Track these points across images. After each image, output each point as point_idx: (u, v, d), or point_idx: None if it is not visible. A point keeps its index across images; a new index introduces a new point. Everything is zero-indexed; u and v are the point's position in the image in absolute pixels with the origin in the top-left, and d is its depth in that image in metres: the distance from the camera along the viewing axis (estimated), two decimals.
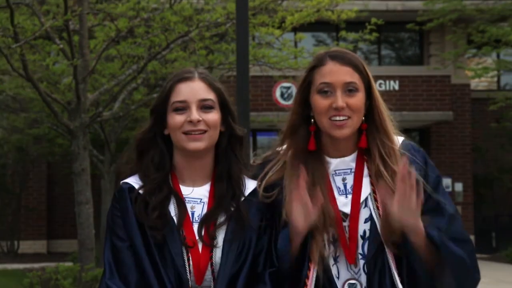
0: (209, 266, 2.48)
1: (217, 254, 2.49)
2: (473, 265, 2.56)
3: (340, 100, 2.54)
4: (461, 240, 2.55)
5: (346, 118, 2.55)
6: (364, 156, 2.63)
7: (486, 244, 18.74)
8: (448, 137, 19.03)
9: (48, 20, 9.73)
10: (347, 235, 2.57)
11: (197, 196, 2.56)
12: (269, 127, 16.30)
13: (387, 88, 17.93)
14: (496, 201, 19.86)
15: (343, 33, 13.06)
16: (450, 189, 18.69)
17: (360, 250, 2.57)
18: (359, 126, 2.61)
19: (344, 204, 2.60)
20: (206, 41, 11.20)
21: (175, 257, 2.45)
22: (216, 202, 2.54)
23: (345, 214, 2.58)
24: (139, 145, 2.59)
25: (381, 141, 2.61)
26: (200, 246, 2.49)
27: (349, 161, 2.64)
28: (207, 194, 2.56)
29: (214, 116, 2.53)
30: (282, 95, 17.34)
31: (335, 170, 2.63)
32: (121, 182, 2.60)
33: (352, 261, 2.56)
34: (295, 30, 13.61)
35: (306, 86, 2.63)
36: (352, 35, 13.12)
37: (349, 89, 2.56)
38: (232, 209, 2.54)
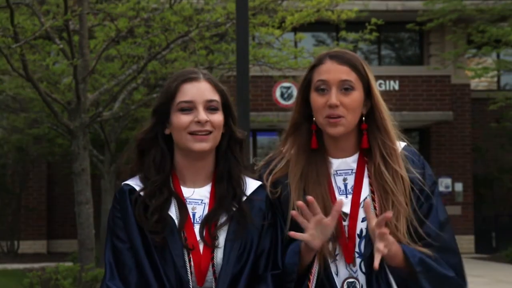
0: (211, 267, 2.48)
1: (219, 255, 2.49)
2: (460, 277, 2.60)
3: (334, 97, 2.57)
4: (449, 250, 2.60)
5: (340, 116, 2.57)
6: (365, 157, 2.66)
7: (486, 244, 18.75)
8: (448, 137, 19.03)
9: (48, 20, 9.73)
10: (346, 234, 2.60)
11: (198, 197, 2.55)
12: (269, 127, 16.32)
13: (387, 88, 17.94)
14: (496, 201, 19.86)
15: (343, 33, 13.07)
16: (450, 189, 18.69)
17: (357, 249, 2.60)
18: (355, 125, 2.63)
19: (344, 204, 2.61)
20: (206, 41, 11.20)
21: (175, 258, 2.45)
22: (217, 202, 2.54)
23: (344, 213, 2.61)
24: (140, 145, 2.58)
25: (382, 141, 2.63)
26: (201, 247, 2.49)
27: (350, 162, 2.66)
28: (208, 195, 2.56)
29: (219, 117, 2.53)
30: (282, 95, 17.34)
31: (336, 171, 2.66)
32: (122, 183, 2.59)
33: (350, 260, 2.59)
34: (295, 30, 13.61)
35: (306, 85, 2.67)
36: (352, 35, 13.13)
37: (345, 87, 2.59)
38: (234, 209, 2.54)
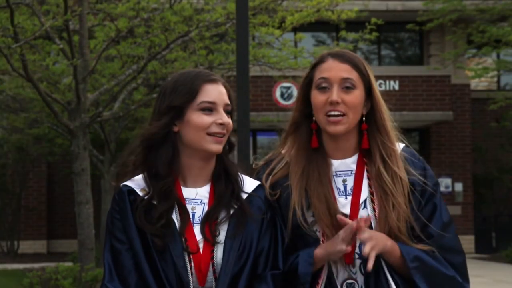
0: (210, 267, 2.48)
1: (218, 254, 2.49)
2: (462, 277, 2.60)
3: (336, 94, 2.57)
4: (453, 250, 2.60)
5: (341, 114, 2.57)
6: (365, 158, 2.65)
7: (486, 244, 18.75)
8: (448, 137, 19.03)
9: (48, 20, 9.73)
10: None
11: (197, 197, 2.56)
12: (269, 127, 16.31)
13: (387, 88, 17.94)
14: (496, 201, 19.85)
15: (343, 33, 13.07)
16: (450, 189, 18.69)
17: (357, 250, 2.59)
18: (355, 124, 2.63)
19: (343, 205, 2.62)
20: (206, 41, 11.20)
21: (175, 259, 2.45)
22: (216, 200, 2.54)
23: (344, 215, 2.60)
24: (150, 139, 2.53)
25: (381, 142, 2.63)
26: (201, 246, 2.49)
27: (350, 163, 2.66)
28: (207, 195, 2.56)
29: (231, 122, 2.56)
30: (282, 95, 17.35)
31: (336, 171, 2.66)
32: (121, 184, 2.57)
33: (349, 261, 2.59)
34: (295, 30, 13.62)
35: (307, 83, 2.67)
36: (352, 35, 13.13)
37: (346, 85, 2.59)
38: (233, 206, 2.54)
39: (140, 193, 2.53)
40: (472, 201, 19.06)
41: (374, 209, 2.58)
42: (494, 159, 19.63)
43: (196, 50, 11.11)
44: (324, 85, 2.60)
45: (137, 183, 2.56)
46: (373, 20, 12.45)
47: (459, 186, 18.85)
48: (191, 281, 2.45)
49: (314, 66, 2.66)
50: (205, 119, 2.50)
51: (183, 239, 2.47)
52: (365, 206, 2.61)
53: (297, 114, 2.69)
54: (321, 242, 2.57)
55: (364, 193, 2.62)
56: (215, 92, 2.53)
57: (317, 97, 2.60)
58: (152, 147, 2.54)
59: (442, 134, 19.06)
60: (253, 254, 2.51)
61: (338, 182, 2.65)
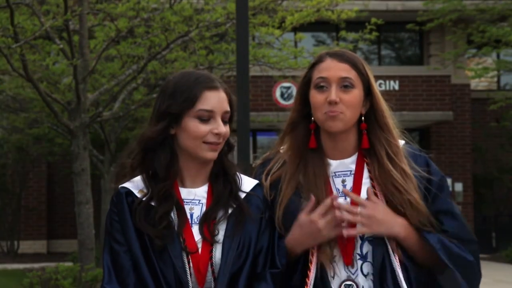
0: (209, 267, 2.47)
1: (217, 254, 2.49)
2: (478, 265, 2.60)
3: (334, 94, 2.56)
4: (469, 240, 2.58)
5: (339, 112, 2.56)
6: (365, 158, 2.63)
7: (486, 244, 18.74)
8: (448, 137, 19.03)
9: (48, 20, 9.73)
10: (344, 236, 2.58)
11: (196, 197, 2.56)
12: (269, 127, 16.32)
13: (387, 88, 17.93)
14: (496, 201, 19.85)
15: (343, 33, 13.07)
16: (450, 189, 18.68)
17: (358, 251, 2.58)
18: (354, 124, 2.62)
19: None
20: (206, 41, 11.20)
21: (174, 260, 2.45)
22: (214, 200, 2.54)
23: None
24: (147, 144, 2.53)
25: (386, 140, 2.61)
26: (200, 246, 2.49)
27: (348, 163, 2.65)
28: (205, 195, 2.56)
29: (228, 130, 2.54)
30: (282, 95, 17.34)
31: (334, 172, 2.64)
32: (119, 186, 2.58)
33: (348, 262, 2.57)
34: (295, 30, 13.62)
35: (305, 83, 2.66)
36: (352, 35, 13.13)
37: (345, 84, 2.58)
38: (231, 205, 2.54)
39: (138, 195, 2.53)
40: (472, 201, 19.06)
41: (394, 208, 2.57)
42: (494, 159, 19.63)
43: (196, 50, 11.11)
44: (322, 84, 2.59)
45: (135, 184, 2.56)
46: (373, 20, 12.45)
47: (459, 186, 18.85)
48: (190, 282, 2.45)
49: (313, 66, 2.65)
50: (201, 128, 2.48)
51: (181, 240, 2.47)
52: None
53: (295, 114, 2.68)
54: (312, 250, 2.56)
55: (364, 194, 2.60)
56: (214, 100, 2.50)
57: (316, 97, 2.59)
58: (150, 150, 2.54)
59: (442, 134, 19.06)
60: (252, 253, 2.51)
61: (337, 182, 2.64)
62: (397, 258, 2.54)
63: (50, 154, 17.55)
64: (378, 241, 2.55)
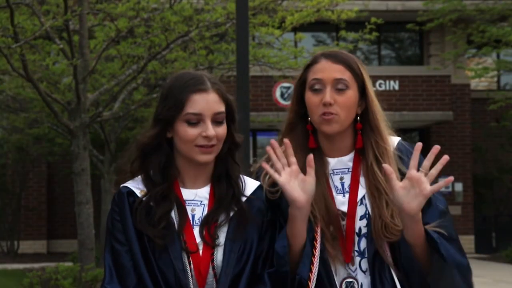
0: (211, 269, 2.47)
1: (219, 256, 2.49)
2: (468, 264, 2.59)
3: (328, 95, 2.57)
4: (450, 239, 2.56)
5: (334, 115, 2.57)
6: (360, 156, 2.66)
7: (486, 244, 18.74)
8: (448, 137, 19.03)
9: (48, 20, 9.73)
10: (344, 233, 2.60)
11: (197, 198, 2.55)
12: (269, 127, 16.31)
13: (387, 88, 17.94)
14: (496, 201, 19.85)
15: (343, 33, 13.07)
16: (450, 189, 18.69)
17: (356, 247, 2.59)
18: (350, 124, 2.63)
19: (342, 203, 2.62)
20: (206, 41, 11.20)
21: (174, 262, 2.44)
22: (216, 202, 2.54)
23: (343, 212, 2.61)
24: (143, 150, 2.55)
25: (375, 142, 2.63)
26: (201, 248, 2.49)
27: (346, 161, 2.67)
28: (207, 196, 2.56)
29: (224, 130, 2.52)
30: (282, 95, 17.35)
31: (333, 170, 2.66)
32: (121, 185, 2.58)
33: (348, 259, 2.58)
34: (295, 30, 13.61)
35: (301, 84, 2.67)
36: (352, 35, 13.13)
37: (339, 86, 2.59)
38: (233, 209, 2.54)
39: (140, 195, 2.53)
40: (472, 201, 19.06)
41: (373, 206, 2.59)
42: (494, 159, 19.63)
43: (196, 50, 11.11)
44: (317, 86, 2.60)
45: (136, 184, 2.56)
46: (373, 20, 12.45)
47: (459, 186, 18.85)
48: (190, 284, 2.45)
49: (308, 67, 2.66)
50: (189, 132, 2.47)
51: (181, 240, 2.47)
52: (362, 203, 2.62)
53: (292, 115, 2.70)
54: (315, 242, 2.56)
55: (362, 190, 2.63)
56: (202, 103, 2.48)
57: (311, 99, 2.61)
58: (147, 154, 2.55)
59: (442, 134, 19.06)
60: (253, 256, 2.51)
61: (335, 180, 2.65)
62: (388, 253, 2.55)
63: (50, 154, 17.55)
64: (371, 237, 2.56)
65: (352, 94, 2.60)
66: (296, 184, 2.48)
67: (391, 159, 2.61)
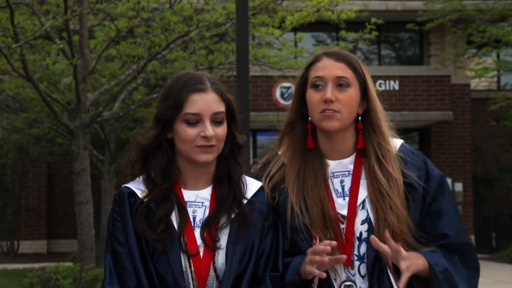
0: (212, 271, 2.47)
1: (220, 259, 2.48)
2: (476, 268, 2.61)
3: (330, 92, 2.56)
4: (465, 244, 2.59)
5: (335, 111, 2.55)
6: (362, 158, 2.63)
7: (486, 244, 18.72)
8: (448, 137, 19.03)
9: (48, 20, 9.73)
10: (343, 237, 2.58)
11: (198, 200, 2.54)
12: (269, 127, 16.31)
13: (387, 88, 17.93)
14: (496, 201, 19.84)
15: (343, 33, 13.07)
16: (450, 189, 18.68)
17: (356, 252, 2.58)
18: (351, 124, 2.61)
19: (341, 206, 2.60)
20: (206, 41, 11.20)
21: (172, 265, 2.44)
22: (218, 204, 2.53)
23: (343, 216, 2.59)
24: (143, 151, 2.55)
25: (377, 142, 2.61)
26: (202, 250, 2.48)
27: (347, 164, 2.64)
28: (208, 197, 2.55)
29: (224, 130, 2.51)
30: (282, 95, 17.34)
31: (333, 172, 2.64)
32: (122, 186, 2.57)
33: (348, 263, 2.57)
34: (295, 30, 13.61)
35: (302, 83, 2.66)
36: (352, 35, 13.12)
37: (341, 83, 2.58)
38: (234, 211, 2.53)
39: (141, 196, 2.53)
40: (472, 201, 19.05)
41: (375, 210, 2.57)
42: (494, 159, 19.62)
43: (196, 50, 11.11)
44: (318, 83, 2.59)
45: (138, 185, 2.56)
46: (373, 20, 12.45)
47: (459, 186, 18.84)
48: (191, 286, 2.44)
49: (309, 66, 2.65)
50: (189, 132, 2.47)
51: (182, 242, 2.46)
52: (363, 207, 2.59)
53: (292, 114, 2.68)
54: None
55: (363, 194, 2.60)
56: (201, 103, 2.47)
57: (312, 96, 2.59)
58: (148, 156, 2.54)
59: (442, 134, 19.06)
60: (254, 257, 2.50)
61: (335, 183, 2.63)
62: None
63: (50, 154, 17.54)
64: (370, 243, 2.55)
65: (353, 92, 2.59)
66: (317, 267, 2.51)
67: (393, 160, 2.60)
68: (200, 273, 2.46)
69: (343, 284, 2.57)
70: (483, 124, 19.52)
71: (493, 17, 17.49)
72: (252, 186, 2.60)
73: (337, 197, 2.61)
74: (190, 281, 2.44)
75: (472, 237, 18.65)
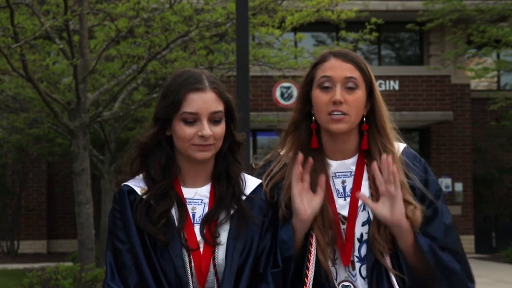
0: (212, 267, 2.48)
1: (220, 255, 2.49)
2: (466, 275, 2.58)
3: (339, 94, 2.54)
4: (455, 251, 2.56)
5: (343, 114, 2.55)
6: (365, 159, 2.63)
7: (486, 244, 18.73)
8: (448, 137, 19.03)
9: (48, 20, 9.74)
10: (343, 237, 2.58)
11: (198, 197, 2.56)
12: (269, 127, 16.31)
13: (387, 88, 17.93)
14: (496, 201, 19.85)
15: (343, 33, 13.07)
16: (450, 189, 18.69)
17: (356, 253, 2.58)
18: (357, 124, 2.60)
19: (342, 206, 2.60)
20: (206, 41, 11.20)
21: (174, 259, 2.45)
22: (217, 201, 2.54)
23: (344, 216, 2.59)
24: (143, 149, 2.57)
25: (382, 144, 2.60)
26: (201, 246, 2.49)
27: (349, 164, 2.64)
28: (207, 195, 2.57)
29: (222, 129, 2.52)
30: (282, 95, 17.34)
31: (335, 173, 2.63)
32: (122, 184, 2.59)
33: (347, 263, 2.57)
34: (295, 30, 13.62)
35: (308, 82, 2.64)
36: (352, 35, 13.12)
37: (349, 85, 2.56)
38: (233, 207, 2.54)
39: (140, 193, 2.54)
40: (472, 201, 19.05)
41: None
42: (494, 159, 19.62)
43: (196, 50, 11.11)
44: (326, 84, 2.57)
45: (137, 182, 2.57)
46: (373, 20, 12.45)
47: (459, 186, 18.85)
48: (190, 281, 2.45)
49: (316, 65, 2.63)
50: (186, 131, 2.49)
51: (182, 237, 2.48)
52: (364, 208, 2.59)
53: (296, 113, 2.67)
54: (310, 247, 2.55)
55: (364, 195, 2.60)
56: (199, 102, 2.48)
57: (320, 97, 2.57)
58: (147, 153, 2.56)
59: (442, 134, 19.06)
60: (254, 254, 2.51)
61: (337, 183, 2.63)
62: (389, 260, 2.54)
63: (50, 154, 17.55)
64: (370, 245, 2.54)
65: (361, 93, 2.58)
66: (305, 198, 2.52)
67: (397, 162, 2.58)
68: (200, 269, 2.47)
69: (341, 284, 2.57)
70: (483, 124, 19.52)
71: (493, 17, 17.49)
72: (251, 183, 2.62)
73: (338, 197, 2.61)
74: (190, 276, 2.45)
75: (472, 237, 18.66)
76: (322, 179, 2.54)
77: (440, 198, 2.61)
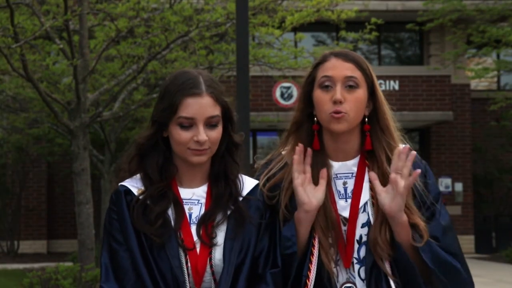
0: (208, 268, 2.48)
1: (217, 255, 2.49)
2: (467, 276, 2.57)
3: (339, 93, 2.54)
4: (453, 253, 2.56)
5: (344, 113, 2.55)
6: (367, 160, 2.62)
7: (486, 244, 18.74)
8: (448, 137, 19.03)
9: (48, 20, 9.74)
10: (344, 239, 2.58)
11: (194, 197, 2.56)
12: (269, 127, 16.33)
13: (387, 88, 17.94)
14: (496, 201, 19.85)
15: (343, 33, 13.07)
16: (450, 189, 18.69)
17: (355, 255, 2.57)
18: (357, 125, 2.60)
19: (343, 208, 2.60)
20: (206, 41, 11.20)
21: (171, 259, 2.45)
22: (214, 202, 2.55)
23: (345, 218, 2.59)
24: (140, 149, 2.58)
25: (387, 143, 2.60)
26: (198, 246, 2.49)
27: (351, 165, 2.63)
28: (204, 195, 2.57)
29: (218, 134, 2.52)
30: (282, 95, 17.34)
31: (336, 174, 2.63)
32: (119, 184, 2.60)
33: (347, 264, 2.57)
34: (295, 30, 13.62)
35: (309, 82, 2.64)
36: (352, 35, 13.13)
37: (350, 84, 2.56)
38: (230, 208, 2.54)
39: (137, 193, 2.54)
40: (472, 201, 19.06)
41: (376, 213, 2.56)
42: (494, 159, 19.63)
43: (196, 50, 11.11)
44: (327, 83, 2.57)
45: (134, 183, 2.57)
46: (373, 20, 12.45)
47: (459, 186, 18.85)
48: (187, 282, 2.45)
49: (317, 65, 2.63)
50: (182, 135, 2.49)
51: (179, 238, 2.48)
52: (364, 210, 2.58)
53: (298, 113, 2.66)
54: (313, 249, 2.55)
55: (365, 197, 2.59)
56: (195, 107, 2.48)
57: (320, 96, 2.58)
58: (144, 154, 2.57)
59: (442, 134, 19.06)
60: (251, 254, 2.51)
61: (338, 184, 2.62)
62: (388, 266, 2.53)
63: (50, 154, 17.55)
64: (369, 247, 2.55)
65: (362, 93, 2.58)
66: (307, 189, 2.53)
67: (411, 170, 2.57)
68: (196, 269, 2.47)
69: (343, 286, 2.57)
70: (483, 124, 19.52)
71: (493, 17, 17.49)
72: (248, 184, 2.62)
73: (339, 198, 2.61)
74: (186, 277, 2.45)
75: (472, 237, 18.67)
76: (324, 171, 2.54)
77: (439, 200, 2.62)
